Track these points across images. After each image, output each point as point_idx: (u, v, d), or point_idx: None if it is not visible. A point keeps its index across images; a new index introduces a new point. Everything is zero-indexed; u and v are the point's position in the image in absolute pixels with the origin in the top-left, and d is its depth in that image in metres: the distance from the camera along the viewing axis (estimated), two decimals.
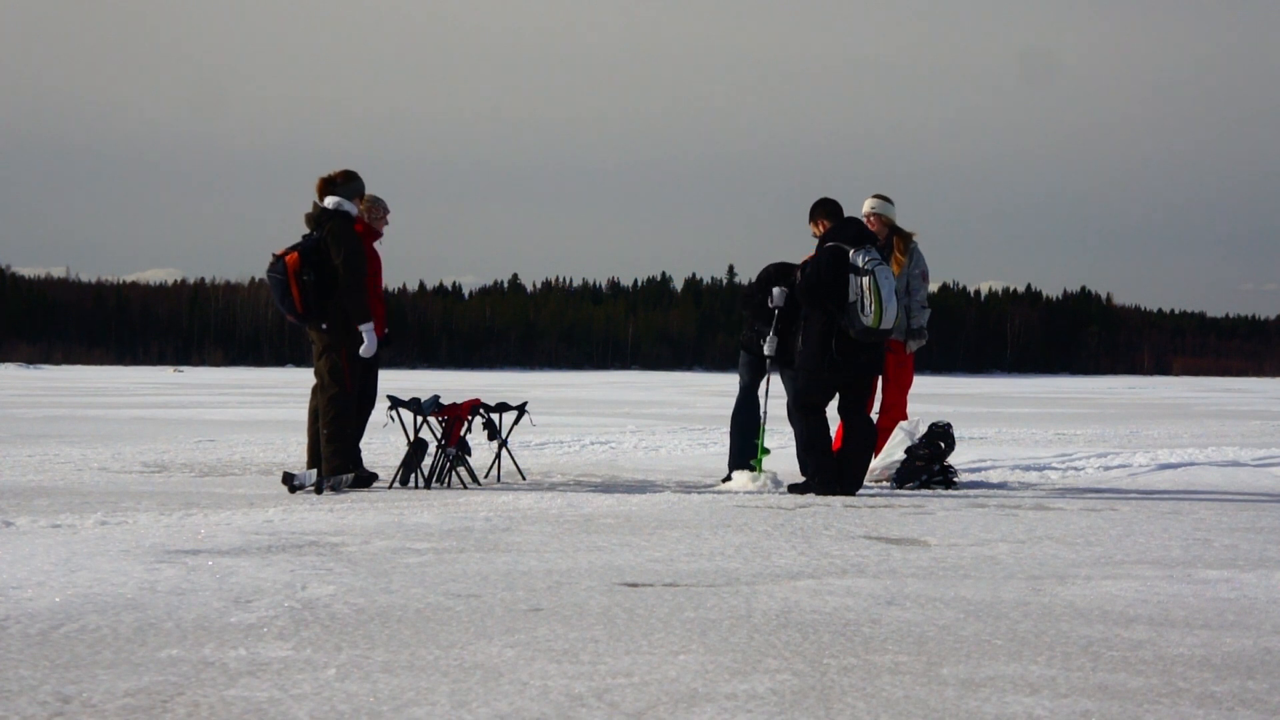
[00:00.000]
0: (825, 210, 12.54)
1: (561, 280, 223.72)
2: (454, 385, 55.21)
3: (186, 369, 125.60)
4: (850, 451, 12.24)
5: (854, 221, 12.43)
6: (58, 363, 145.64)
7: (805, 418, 12.32)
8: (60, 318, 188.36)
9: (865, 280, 12.00)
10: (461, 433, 12.65)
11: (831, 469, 12.13)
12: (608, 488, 12.47)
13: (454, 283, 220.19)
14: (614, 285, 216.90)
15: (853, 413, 12.41)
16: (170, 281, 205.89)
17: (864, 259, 12.07)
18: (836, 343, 12.15)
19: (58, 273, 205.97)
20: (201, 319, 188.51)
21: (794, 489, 12.26)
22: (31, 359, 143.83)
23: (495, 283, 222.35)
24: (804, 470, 12.45)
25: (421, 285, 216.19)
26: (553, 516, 9.85)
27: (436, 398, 12.85)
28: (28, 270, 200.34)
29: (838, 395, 12.38)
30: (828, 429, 12.33)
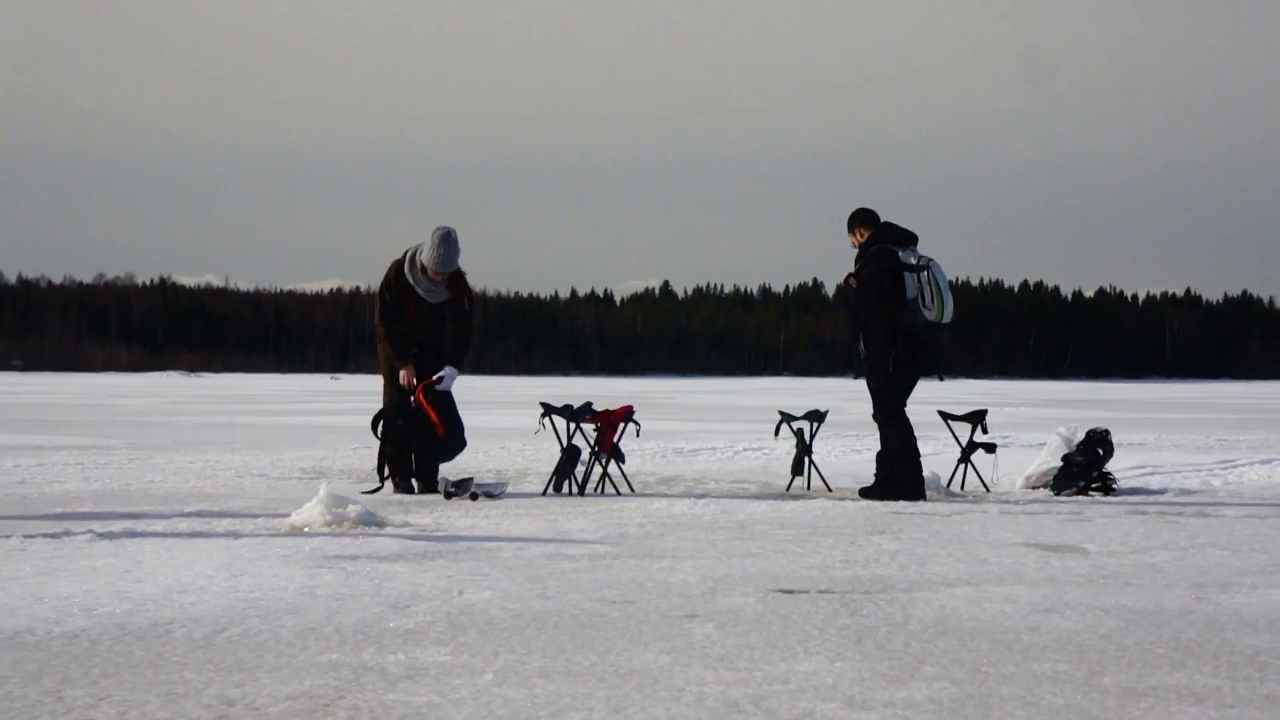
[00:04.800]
0: (862, 219, 12.53)
1: (713, 287, 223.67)
2: (606, 392, 55.43)
3: (343, 377, 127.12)
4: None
5: (892, 225, 12.40)
6: (217, 371, 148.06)
7: (892, 424, 12.25)
8: (220, 326, 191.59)
9: (923, 275, 12.04)
10: (614, 439, 12.67)
11: (919, 477, 12.14)
12: (761, 494, 12.43)
13: (605, 289, 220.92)
14: (765, 291, 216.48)
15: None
16: (327, 290, 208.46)
17: (915, 257, 12.13)
18: (901, 342, 12.15)
19: (216, 282, 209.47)
20: (358, 327, 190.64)
21: (866, 492, 12.20)
22: (193, 367, 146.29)
23: (646, 289, 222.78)
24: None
25: (573, 292, 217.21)
26: (706, 523, 9.84)
27: (589, 404, 12.89)
28: (188, 279, 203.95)
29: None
30: (912, 429, 12.29)
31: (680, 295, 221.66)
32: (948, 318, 12.11)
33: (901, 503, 11.73)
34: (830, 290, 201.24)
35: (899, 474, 12.10)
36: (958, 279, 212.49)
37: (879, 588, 6.93)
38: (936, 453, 17.16)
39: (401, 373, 12.44)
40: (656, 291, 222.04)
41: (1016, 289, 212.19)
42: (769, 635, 5.66)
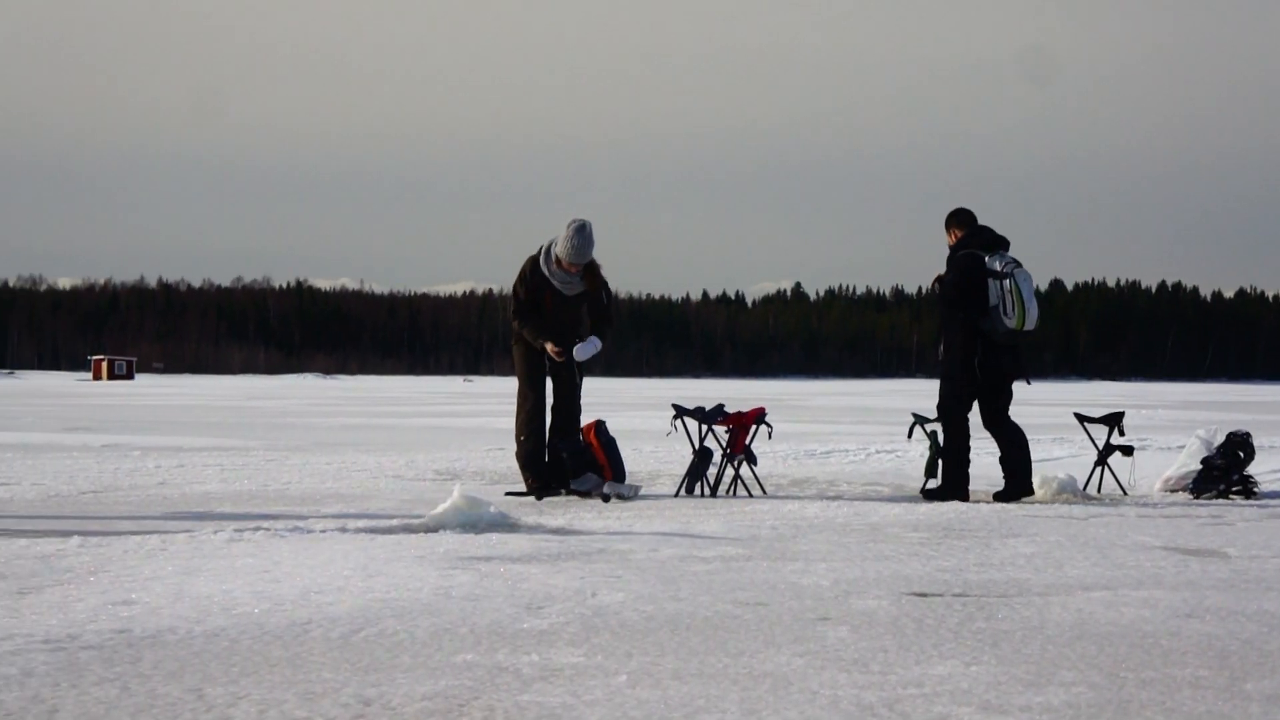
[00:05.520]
0: (958, 220, 12.48)
1: (845, 288, 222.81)
2: (737, 394, 55.34)
3: (476, 379, 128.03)
4: (1012, 457, 12.22)
5: (986, 229, 12.34)
6: (353, 373, 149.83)
7: (951, 426, 12.27)
8: (355, 329, 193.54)
9: (1005, 283, 11.99)
10: (746, 441, 12.65)
11: (962, 479, 12.11)
12: (894, 497, 12.36)
13: (737, 291, 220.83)
14: (898, 292, 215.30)
15: (1000, 421, 12.35)
16: (461, 293, 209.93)
17: (1000, 263, 12.08)
18: (981, 347, 12.10)
19: (352, 284, 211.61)
20: (491, 329, 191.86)
21: (929, 495, 12.18)
22: (328, 369, 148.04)
23: (778, 291, 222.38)
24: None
25: (705, 294, 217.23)
26: (839, 525, 9.80)
27: (721, 406, 12.88)
28: (324, 282, 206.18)
29: (978, 403, 12.32)
30: (968, 436, 12.25)
31: (812, 296, 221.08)
32: (1029, 325, 12.07)
33: (1023, 503, 11.66)
34: None
35: (957, 475, 12.16)
36: (1094, 279, 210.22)
37: (1015, 591, 6.86)
38: (1073, 455, 16.99)
39: (548, 346, 12.47)
40: (788, 293, 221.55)
41: (1154, 290, 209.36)
42: (903, 638, 5.62)
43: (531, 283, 12.54)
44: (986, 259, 12.13)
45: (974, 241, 12.25)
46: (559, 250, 12.41)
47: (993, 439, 12.40)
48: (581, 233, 12.36)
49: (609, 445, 12.27)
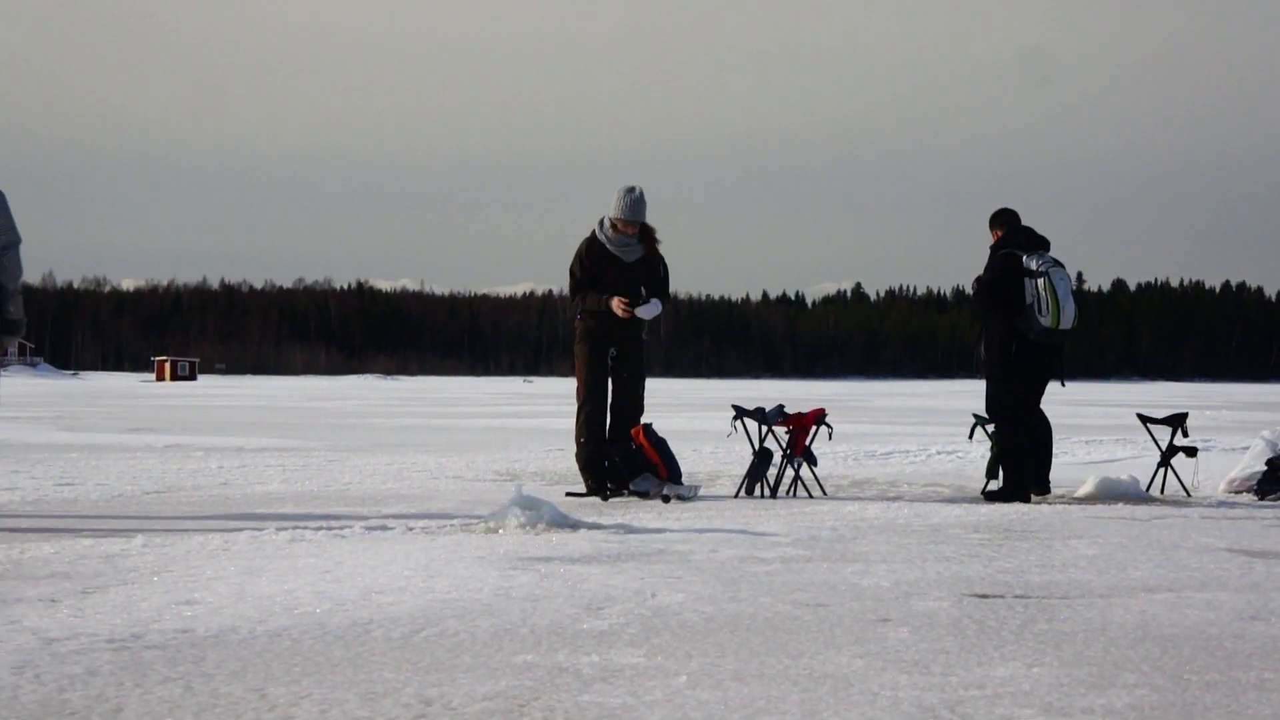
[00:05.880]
0: (1001, 219, 12.57)
1: (905, 288, 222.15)
2: (797, 395, 55.24)
3: (535, 379, 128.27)
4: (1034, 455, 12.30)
5: (1027, 229, 12.39)
6: (413, 374, 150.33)
7: (1004, 425, 12.28)
8: (415, 330, 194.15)
9: (1040, 282, 12.01)
10: (807, 442, 12.62)
11: (1023, 478, 12.10)
12: (955, 497, 12.32)
13: (797, 291, 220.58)
14: (959, 293, 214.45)
15: (1030, 409, 12.39)
16: (520, 294, 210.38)
17: (1037, 262, 12.10)
18: (1016, 346, 12.13)
19: (412, 286, 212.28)
20: (550, 330, 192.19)
21: (990, 496, 12.16)
22: (388, 370, 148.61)
23: (838, 291, 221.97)
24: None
25: (765, 295, 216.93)
26: (900, 526, 9.77)
27: (781, 407, 12.86)
28: (384, 283, 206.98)
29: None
30: (1024, 434, 12.24)
31: (872, 297, 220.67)
32: (1065, 324, 12.08)
33: (1085, 505, 11.60)
34: None
35: (1018, 474, 12.15)
36: (1156, 279, 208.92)
37: (1077, 593, 6.82)
38: (1136, 456, 16.88)
39: (614, 301, 12.43)
40: (848, 293, 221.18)
41: (1218, 290, 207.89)
42: (964, 640, 5.60)
43: (588, 260, 12.53)
44: (1024, 258, 12.17)
45: (1013, 240, 12.32)
46: (612, 214, 12.46)
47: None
48: (631, 192, 12.43)
49: (660, 445, 12.25)
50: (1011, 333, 12.15)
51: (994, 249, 12.37)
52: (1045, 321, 12.00)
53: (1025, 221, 12.44)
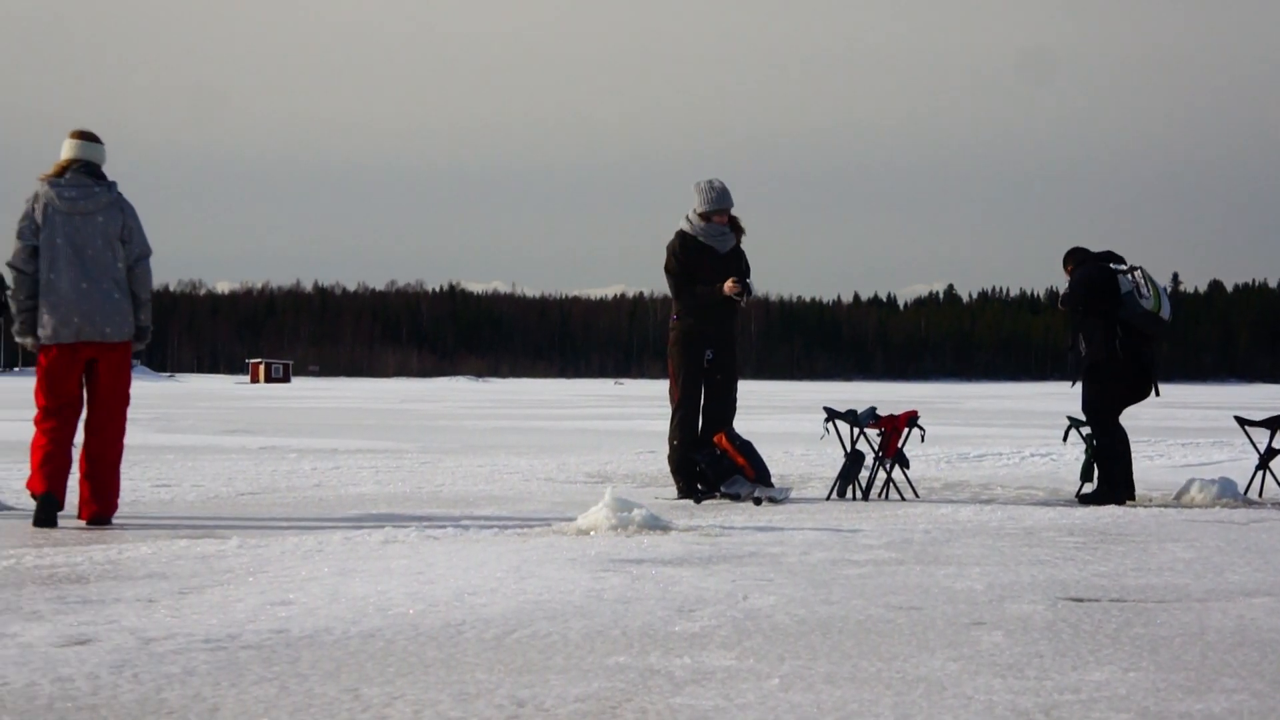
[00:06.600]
0: (1074, 257, 12.59)
1: (998, 290, 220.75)
2: (889, 396, 55.01)
3: (626, 381, 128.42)
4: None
5: (1102, 253, 12.42)
6: (504, 376, 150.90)
7: (1101, 424, 12.21)
8: (506, 332, 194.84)
9: (1136, 273, 12.11)
10: (899, 444, 12.57)
11: (1117, 481, 12.02)
12: (1049, 500, 12.23)
13: (889, 293, 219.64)
14: (1053, 294, 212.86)
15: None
16: (612, 296, 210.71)
17: (1125, 265, 12.23)
18: (1121, 332, 12.10)
19: (504, 288, 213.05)
20: (641, 332, 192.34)
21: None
22: (480, 372, 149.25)
23: (930, 293, 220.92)
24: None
25: (856, 296, 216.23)
26: (993, 529, 9.71)
27: (873, 409, 12.81)
28: (476, 285, 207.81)
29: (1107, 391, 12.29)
30: (1123, 436, 12.20)
31: (965, 299, 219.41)
32: (1165, 313, 12.08)
33: (1182, 508, 11.49)
34: None
35: (1113, 476, 12.02)
36: (1254, 280, 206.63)
37: (1173, 597, 6.75)
38: (1234, 459, 16.69)
39: (727, 284, 12.39)
40: (941, 295, 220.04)
41: None
42: (1059, 644, 5.56)
43: (683, 255, 12.51)
44: (1109, 264, 12.28)
45: (1090, 261, 12.40)
46: (700, 208, 12.49)
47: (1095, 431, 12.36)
48: (714, 183, 12.51)
49: (744, 447, 12.22)
50: (1114, 323, 12.12)
51: (1072, 274, 12.52)
52: (1148, 304, 12.01)
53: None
